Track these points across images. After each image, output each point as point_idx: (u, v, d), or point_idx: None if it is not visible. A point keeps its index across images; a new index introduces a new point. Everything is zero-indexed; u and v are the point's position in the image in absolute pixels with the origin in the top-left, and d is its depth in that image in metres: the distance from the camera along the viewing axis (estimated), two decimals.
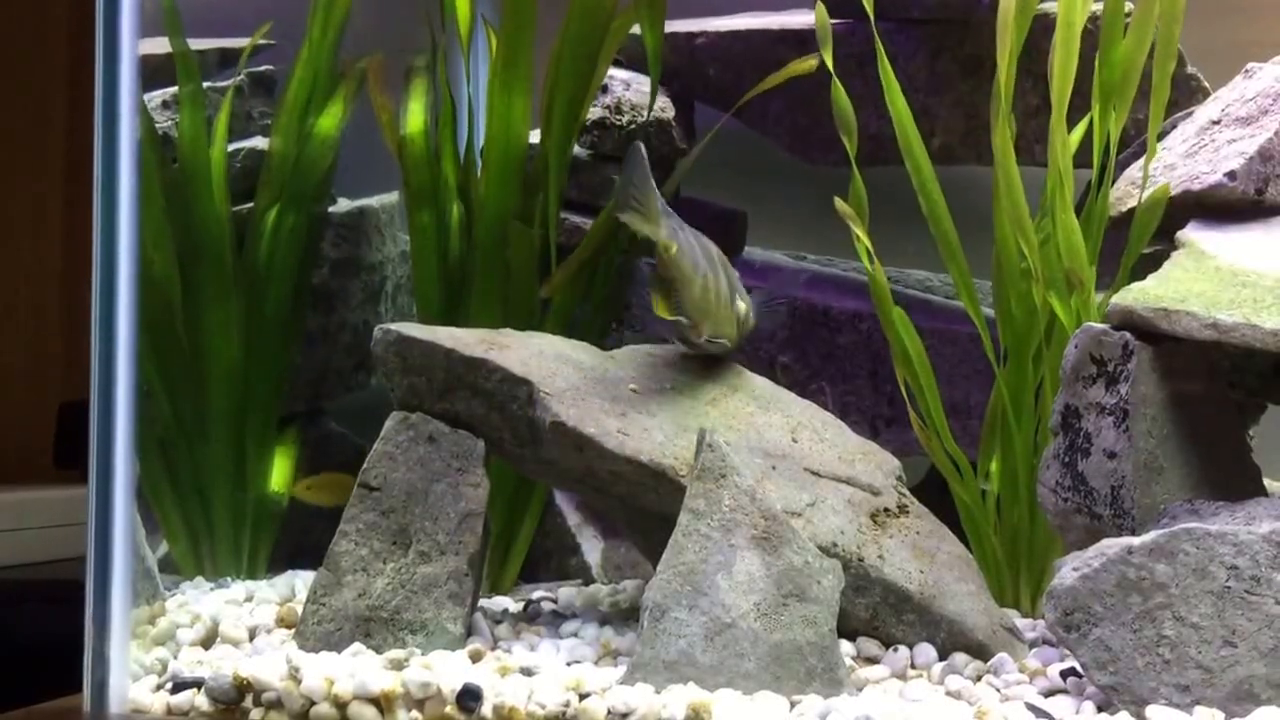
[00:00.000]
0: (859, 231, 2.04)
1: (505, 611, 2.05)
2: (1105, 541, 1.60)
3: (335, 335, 2.46)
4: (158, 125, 2.35)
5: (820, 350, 2.33)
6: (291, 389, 2.40)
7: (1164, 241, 1.99)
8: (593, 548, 2.36)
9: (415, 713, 1.65)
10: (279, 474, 2.35)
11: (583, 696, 1.62)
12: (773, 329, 2.32)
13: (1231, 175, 1.93)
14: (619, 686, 1.64)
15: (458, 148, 2.32)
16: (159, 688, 1.76)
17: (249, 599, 2.10)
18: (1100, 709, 1.58)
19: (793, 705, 1.63)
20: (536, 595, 2.15)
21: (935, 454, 2.07)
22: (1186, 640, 1.55)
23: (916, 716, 1.54)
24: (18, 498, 2.79)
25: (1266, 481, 2.14)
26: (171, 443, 2.28)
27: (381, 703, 1.66)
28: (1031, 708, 1.57)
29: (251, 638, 1.93)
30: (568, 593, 2.16)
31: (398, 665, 1.72)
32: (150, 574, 2.06)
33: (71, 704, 1.76)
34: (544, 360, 1.95)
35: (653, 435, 1.88)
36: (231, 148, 2.39)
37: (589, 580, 2.33)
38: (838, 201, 2.05)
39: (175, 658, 1.85)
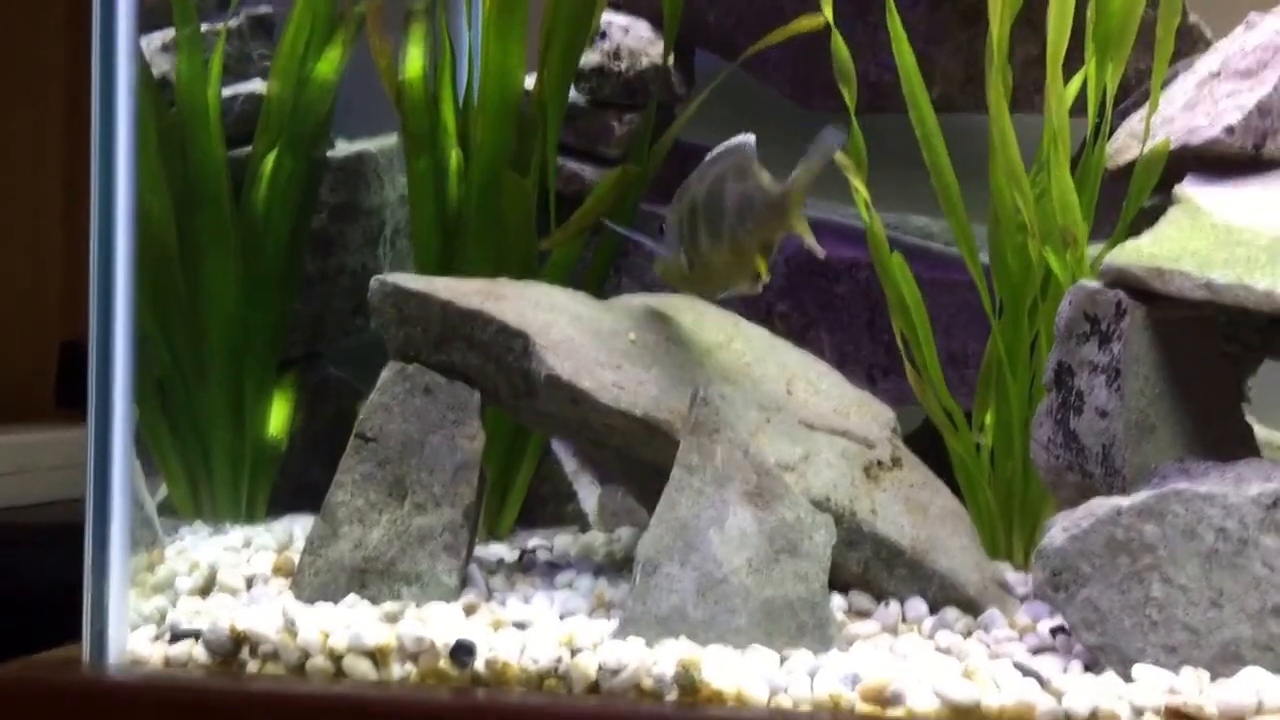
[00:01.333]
0: (857, 183, 2.03)
1: (500, 561, 2.06)
2: (1094, 502, 1.61)
3: (334, 279, 2.46)
4: (156, 69, 2.33)
5: (817, 299, 2.32)
6: (290, 334, 2.40)
7: (1164, 195, 1.98)
8: (589, 494, 2.38)
9: (410, 666, 1.67)
10: (277, 418, 2.36)
11: (575, 652, 1.63)
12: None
13: (1229, 130, 1.92)
14: (611, 641, 1.66)
15: (457, 93, 2.30)
16: (157, 638, 1.77)
17: (247, 544, 2.12)
18: (1087, 668, 1.60)
19: (783, 660, 1.65)
20: (532, 544, 2.17)
21: (930, 406, 2.08)
22: (1174, 601, 1.56)
23: (904, 674, 1.56)
24: (19, 439, 2.80)
25: (1265, 431, 2.16)
26: (170, 388, 2.29)
27: (376, 656, 1.68)
28: (1019, 666, 1.58)
29: (249, 586, 1.95)
30: (564, 541, 2.18)
31: (393, 619, 1.73)
32: (150, 521, 2.08)
33: (71, 653, 1.78)
34: (540, 311, 1.95)
35: (648, 389, 1.88)
36: (230, 91, 2.37)
37: (585, 527, 2.34)
38: (838, 153, 2.03)
39: (174, 606, 1.87)
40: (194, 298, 2.28)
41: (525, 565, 2.04)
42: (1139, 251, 1.73)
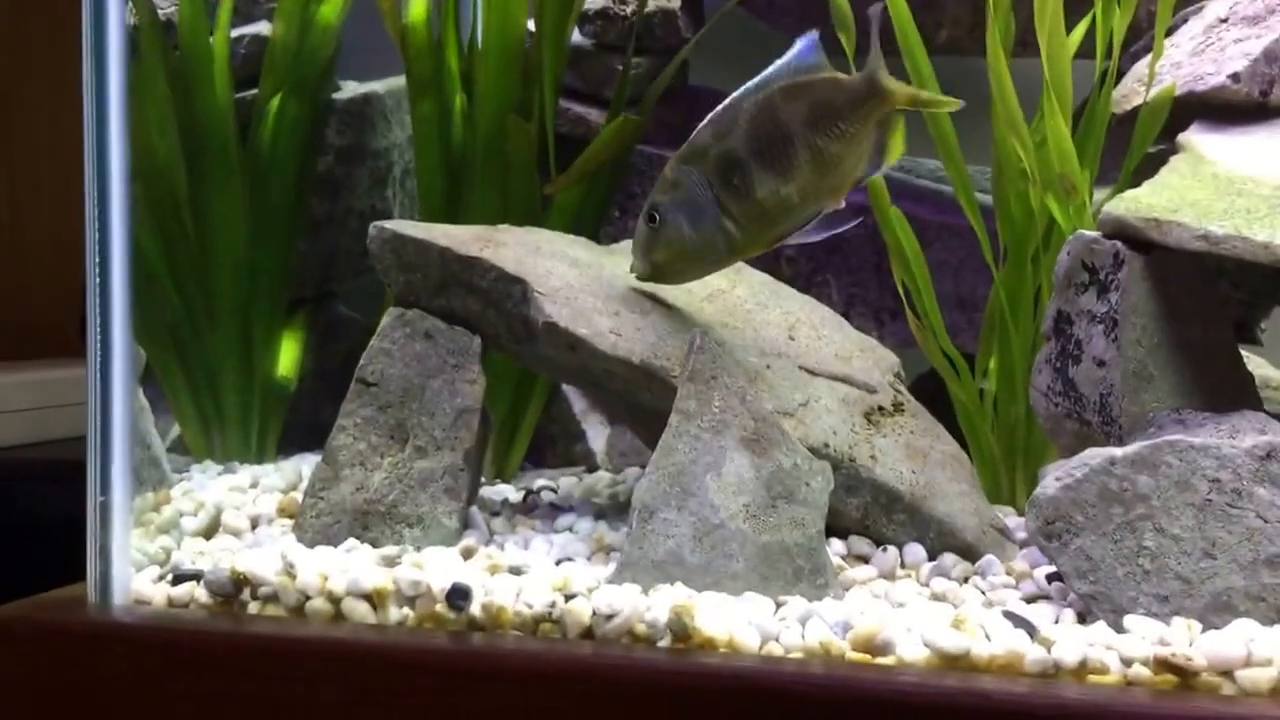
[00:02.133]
0: None
1: (505, 501, 2.08)
2: (1089, 451, 1.61)
3: (341, 221, 2.47)
4: (161, 11, 2.32)
5: (825, 242, 2.30)
6: (299, 275, 2.41)
7: (1169, 140, 1.95)
8: (598, 434, 2.39)
9: (406, 609, 1.69)
10: (287, 359, 2.38)
11: (569, 597, 1.65)
12: None
13: (1235, 77, 1.90)
14: (606, 586, 1.67)
15: (461, 36, 2.29)
16: (160, 579, 1.80)
17: (254, 485, 2.14)
18: (1081, 617, 1.60)
19: (778, 607, 1.66)
20: (538, 485, 2.18)
21: (931, 353, 2.07)
22: (1166, 551, 1.56)
23: (895, 622, 1.57)
24: (44, 376, 2.83)
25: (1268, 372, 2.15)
26: (180, 328, 2.30)
27: (374, 599, 1.70)
28: (1010, 615, 1.59)
29: (254, 527, 1.97)
30: (568, 482, 2.19)
31: (390, 562, 1.75)
32: (157, 461, 2.10)
33: (76, 593, 1.81)
34: (540, 258, 1.95)
35: (645, 335, 1.88)
36: (236, 33, 2.37)
37: (593, 467, 2.35)
38: None
39: (178, 547, 1.90)
40: (202, 239, 2.29)
41: (529, 507, 2.06)
42: (1137, 202, 1.72)
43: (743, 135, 1.81)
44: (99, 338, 1.79)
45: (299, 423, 2.38)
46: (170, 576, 1.79)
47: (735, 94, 1.81)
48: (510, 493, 2.15)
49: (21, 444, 2.69)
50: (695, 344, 1.80)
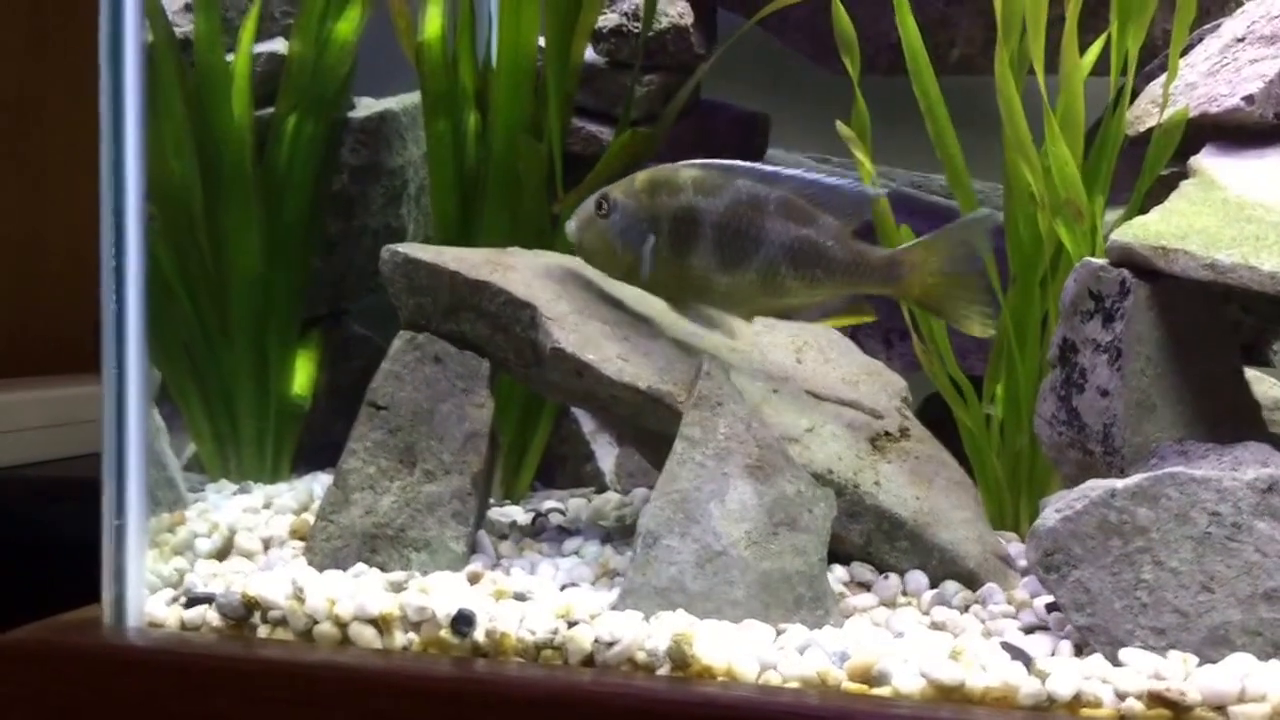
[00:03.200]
0: (860, 156, 2.01)
1: (514, 524, 2.10)
2: (1089, 483, 1.61)
3: (356, 239, 2.48)
4: (178, 30, 2.35)
5: None
6: (313, 293, 2.43)
7: (1183, 163, 1.95)
8: (606, 454, 2.40)
9: (412, 634, 1.71)
10: (301, 377, 2.40)
11: (571, 624, 1.66)
12: None
13: (1250, 99, 1.89)
14: (608, 614, 1.68)
15: (476, 54, 2.30)
16: (174, 601, 1.83)
17: (267, 505, 2.17)
18: (1078, 648, 1.61)
19: (778, 634, 1.67)
20: (546, 507, 2.19)
21: (937, 378, 2.07)
22: (1165, 585, 1.56)
23: (892, 654, 1.57)
24: (63, 393, 2.86)
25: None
26: (196, 347, 2.33)
27: (380, 624, 1.72)
28: (1007, 646, 1.60)
29: (266, 549, 1.99)
30: (577, 504, 2.21)
31: (398, 588, 1.77)
32: (172, 482, 2.13)
33: (91, 614, 1.84)
34: (549, 281, 1.96)
35: (653, 360, 1.90)
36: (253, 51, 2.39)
37: (602, 487, 2.37)
38: (839, 125, 2.02)
39: (192, 568, 1.92)
40: (217, 258, 2.31)
41: (536, 530, 2.07)
42: (1145, 229, 1.72)
43: (721, 206, 1.85)
44: (114, 361, 1.82)
45: (313, 441, 2.41)
46: (183, 600, 1.82)
47: (751, 165, 1.85)
48: (519, 514, 2.16)
49: (41, 460, 2.72)
50: (702, 370, 1.81)
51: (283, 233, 2.33)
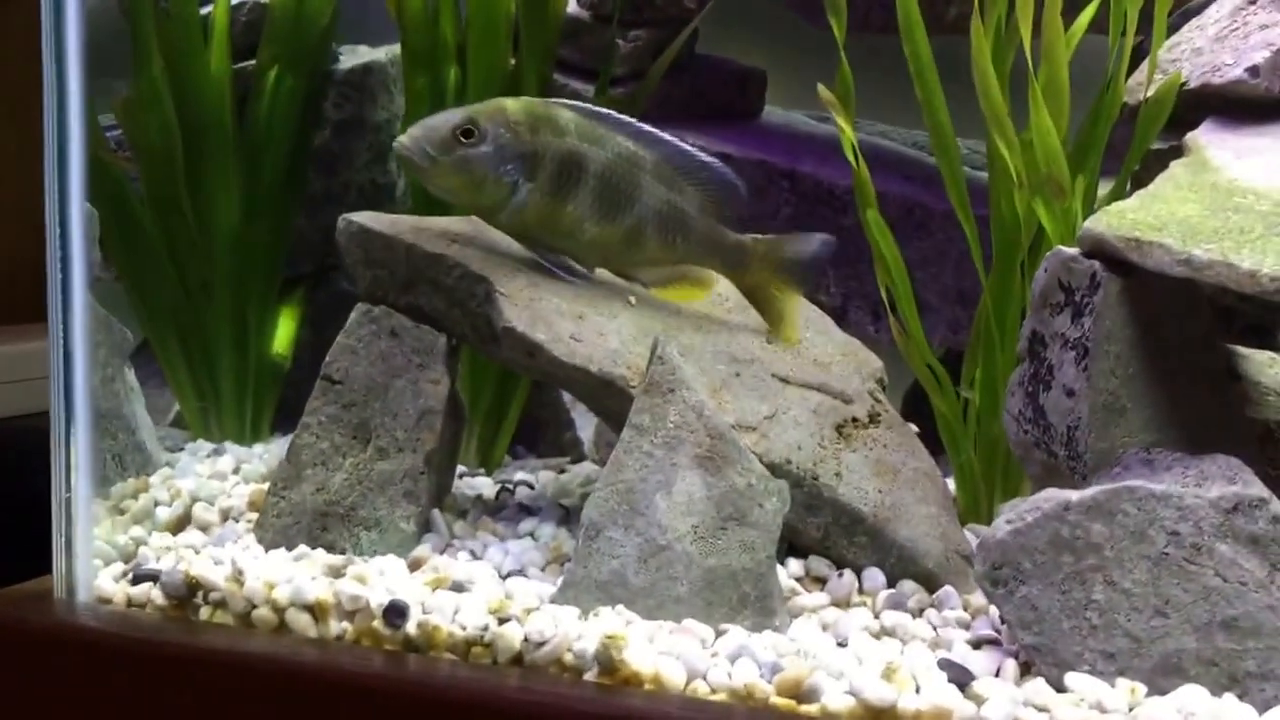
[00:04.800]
0: (843, 123, 1.89)
1: (478, 498, 2.04)
2: (1043, 494, 1.52)
3: (340, 196, 2.43)
4: None
5: (824, 227, 2.20)
6: (298, 251, 2.38)
7: (1181, 135, 1.82)
8: (586, 423, 2.34)
9: (346, 624, 1.67)
10: (283, 336, 2.36)
11: (502, 621, 1.61)
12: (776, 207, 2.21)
13: (1254, 70, 1.75)
14: (544, 609, 1.63)
15: (459, 7, 2.22)
16: (124, 576, 1.80)
17: (236, 470, 2.14)
18: (1026, 667, 1.52)
19: (717, 635, 1.61)
20: (516, 479, 2.14)
21: (914, 364, 1.97)
22: (1116, 606, 1.47)
23: (826, 666, 1.50)
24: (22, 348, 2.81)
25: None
26: (178, 306, 2.29)
27: (316, 611, 1.68)
28: (947, 664, 1.51)
29: (225, 519, 1.97)
30: (547, 477, 2.15)
31: (336, 572, 1.73)
32: (141, 446, 2.10)
33: (45, 586, 1.83)
34: (507, 258, 1.89)
35: (608, 341, 1.82)
36: (236, 1, 2.33)
37: (580, 457, 2.31)
38: (821, 89, 1.91)
39: (149, 538, 1.90)
40: (199, 216, 2.27)
41: (498, 507, 2.02)
42: (1122, 217, 1.60)
43: (606, 156, 1.80)
44: (60, 336, 1.79)
45: (298, 400, 2.36)
46: (131, 576, 1.80)
47: (625, 120, 1.81)
48: (487, 487, 2.11)
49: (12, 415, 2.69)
50: (655, 353, 1.73)
51: (262, 190, 2.28)
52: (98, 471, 1.99)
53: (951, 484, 2.02)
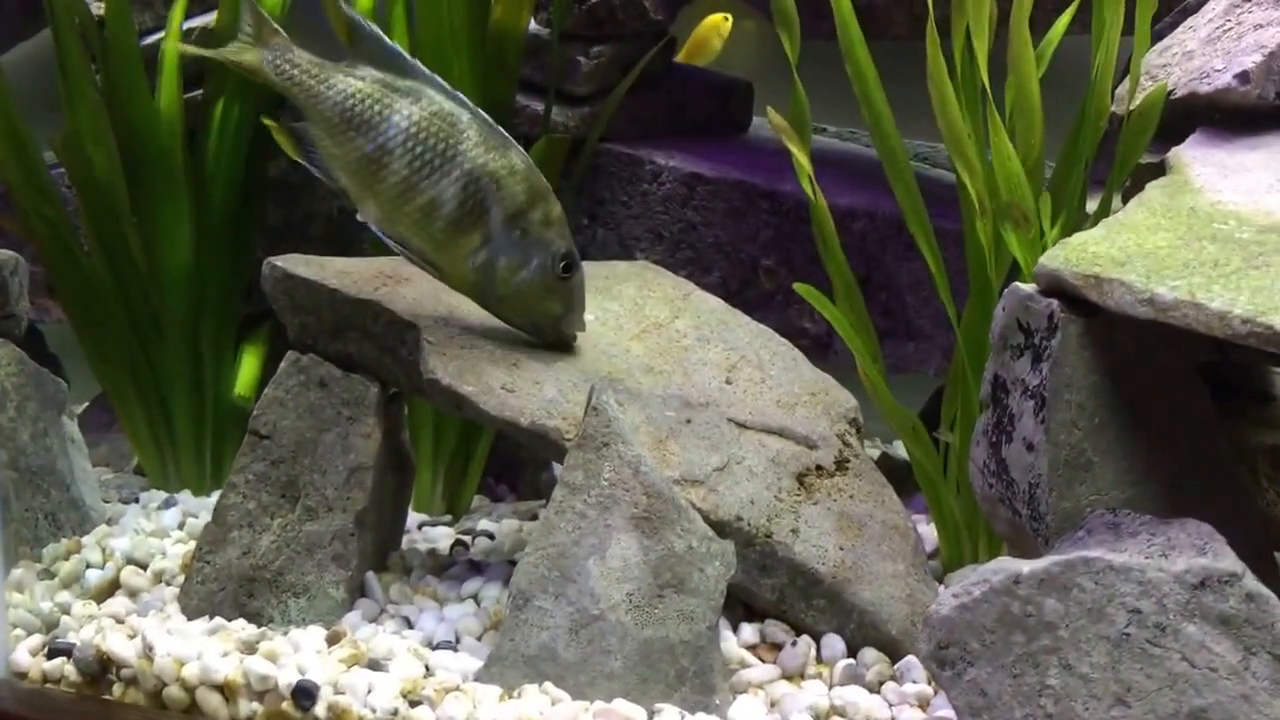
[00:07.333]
0: (796, 151, 1.72)
1: (431, 552, 1.91)
2: (992, 564, 1.36)
3: (302, 228, 2.31)
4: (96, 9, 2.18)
5: (808, 252, 2.05)
6: (259, 286, 2.26)
7: (1170, 146, 1.64)
8: None
9: (256, 704, 1.56)
10: (245, 376, 2.25)
11: (414, 704, 1.49)
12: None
13: (1244, 77, 1.56)
14: (459, 691, 1.51)
15: (412, 29, 2.09)
16: (41, 649, 1.71)
17: (181, 525, 2.03)
18: None
19: (650, 717, 1.47)
20: (480, 527, 2.01)
21: (885, 411, 1.79)
22: (1073, 693, 1.31)
23: None
24: None
25: None
26: (130, 348, 2.19)
27: (226, 691, 1.57)
28: None
29: (157, 582, 1.86)
30: (510, 526, 2.02)
31: (250, 648, 1.62)
32: (77, 503, 2.01)
33: None
34: (446, 296, 1.77)
35: (544, 390, 1.69)
36: (185, 26, 2.22)
37: None
38: (771, 114, 1.75)
39: (74, 604, 1.80)
40: (148, 253, 2.16)
41: (448, 563, 1.88)
42: (1081, 251, 1.42)
43: (440, 120, 1.72)
44: None
45: None
46: (47, 649, 1.70)
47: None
48: (445, 538, 1.98)
49: None
50: (589, 403, 1.60)
51: (214, 224, 2.17)
52: (26, 535, 1.92)
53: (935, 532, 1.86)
